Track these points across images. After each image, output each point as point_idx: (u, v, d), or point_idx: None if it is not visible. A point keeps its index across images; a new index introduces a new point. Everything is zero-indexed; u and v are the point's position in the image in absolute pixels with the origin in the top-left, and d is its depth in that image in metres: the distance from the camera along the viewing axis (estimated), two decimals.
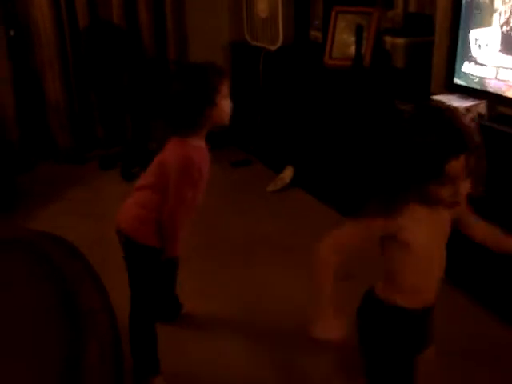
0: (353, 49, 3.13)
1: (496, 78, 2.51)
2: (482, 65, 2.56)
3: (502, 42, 2.45)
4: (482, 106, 2.53)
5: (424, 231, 1.42)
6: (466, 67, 2.64)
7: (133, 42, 4.04)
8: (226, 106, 1.94)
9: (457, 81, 2.70)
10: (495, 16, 2.44)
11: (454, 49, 2.67)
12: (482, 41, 2.56)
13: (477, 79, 2.60)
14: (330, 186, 3.42)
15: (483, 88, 2.58)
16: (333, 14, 3.32)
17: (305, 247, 2.93)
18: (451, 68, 2.71)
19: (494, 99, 2.53)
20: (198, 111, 1.88)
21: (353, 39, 3.13)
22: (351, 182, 3.26)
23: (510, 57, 2.43)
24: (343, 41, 3.29)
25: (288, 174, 3.72)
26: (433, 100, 2.63)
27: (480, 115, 2.52)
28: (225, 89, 1.93)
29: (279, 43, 3.70)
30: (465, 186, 1.34)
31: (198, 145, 1.97)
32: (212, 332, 2.39)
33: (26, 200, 3.53)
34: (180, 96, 1.89)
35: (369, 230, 1.49)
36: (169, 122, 1.96)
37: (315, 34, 3.63)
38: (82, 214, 3.39)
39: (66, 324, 1.13)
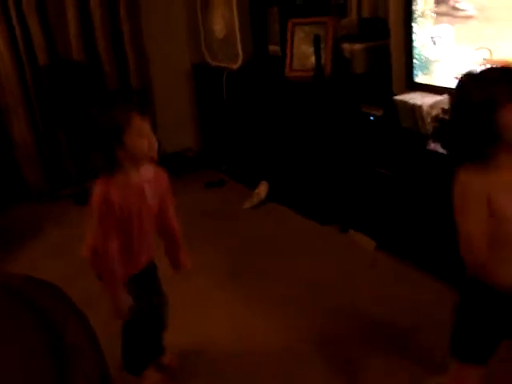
0: (312, 59, 3.16)
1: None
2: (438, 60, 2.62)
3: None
4: (445, 102, 2.58)
5: None
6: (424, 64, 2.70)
7: (94, 76, 4.04)
8: (137, 142, 1.85)
9: (417, 79, 2.75)
10: None
11: (411, 49, 2.73)
12: (437, 37, 2.62)
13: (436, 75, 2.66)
14: (306, 197, 3.44)
15: (444, 84, 2.63)
16: (289, 26, 3.36)
17: (291, 259, 2.99)
18: (410, 67, 2.76)
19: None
20: (107, 153, 1.85)
21: (311, 50, 3.17)
22: (325, 190, 3.29)
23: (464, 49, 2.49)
24: (302, 52, 3.33)
25: (263, 189, 3.74)
26: (396, 100, 2.67)
27: (444, 110, 2.56)
28: (136, 125, 1.85)
29: (240, 61, 3.72)
30: None
31: (123, 181, 1.90)
32: None
33: (1, 242, 3.48)
34: (87, 139, 1.92)
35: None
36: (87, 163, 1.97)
37: (274, 48, 3.67)
38: (60, 252, 3.34)
39: (52, 365, 1.12)
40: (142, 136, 1.86)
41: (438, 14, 2.60)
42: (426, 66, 2.71)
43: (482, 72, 1.52)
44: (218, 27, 3.79)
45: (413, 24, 2.68)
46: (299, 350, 2.32)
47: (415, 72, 2.75)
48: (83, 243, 2.02)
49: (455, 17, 2.53)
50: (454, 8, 2.54)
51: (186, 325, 2.47)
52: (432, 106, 2.56)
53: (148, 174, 1.96)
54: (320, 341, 2.38)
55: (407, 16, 2.71)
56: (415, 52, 2.72)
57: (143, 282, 2.08)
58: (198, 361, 2.33)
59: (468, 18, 2.48)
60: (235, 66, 3.77)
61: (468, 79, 1.52)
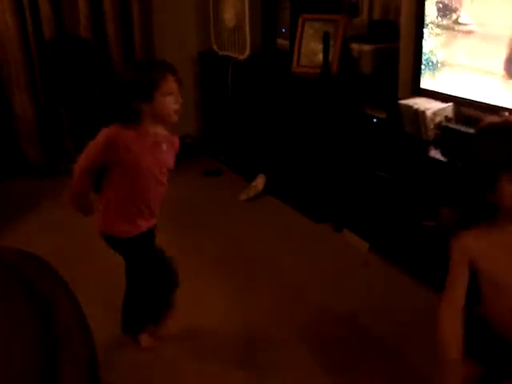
0: (320, 56, 3.15)
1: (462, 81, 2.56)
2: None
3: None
4: (448, 109, 2.58)
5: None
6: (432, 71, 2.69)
7: (100, 55, 4.01)
8: (165, 102, 1.93)
9: (423, 85, 2.75)
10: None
11: (420, 54, 2.72)
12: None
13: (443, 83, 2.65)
14: (302, 193, 3.44)
15: (449, 92, 2.63)
16: (300, 21, 3.35)
17: (282, 256, 2.99)
18: (417, 73, 2.76)
19: (461, 102, 2.58)
20: (132, 104, 1.90)
21: (320, 47, 3.16)
22: (322, 188, 3.29)
23: (474, 60, 2.49)
24: (310, 48, 3.32)
25: (260, 181, 3.73)
26: (400, 104, 2.67)
27: (447, 118, 2.57)
28: (167, 86, 1.92)
29: (247, 52, 3.71)
30: None
31: (139, 133, 1.96)
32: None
33: None
34: (118, 89, 1.94)
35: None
36: (106, 115, 2.01)
37: (282, 42, 3.66)
38: (54, 228, 3.34)
39: (40, 340, 1.12)
40: (171, 97, 1.94)
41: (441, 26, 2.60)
42: (433, 72, 2.71)
43: (495, 128, 1.47)
44: (228, 16, 3.77)
45: (424, 30, 2.68)
46: (285, 345, 2.33)
47: (422, 77, 2.74)
48: None
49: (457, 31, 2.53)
50: (456, 22, 2.54)
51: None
52: (436, 113, 2.57)
53: (164, 134, 2.02)
54: (305, 337, 2.38)
55: (419, 21, 2.70)
56: (424, 57, 2.71)
57: (141, 243, 2.13)
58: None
59: (469, 32, 2.48)
60: (242, 57, 3.76)
61: (480, 134, 1.48)
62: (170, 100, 1.94)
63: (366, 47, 3.10)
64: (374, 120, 2.87)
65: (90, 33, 3.97)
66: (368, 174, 2.94)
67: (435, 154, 2.52)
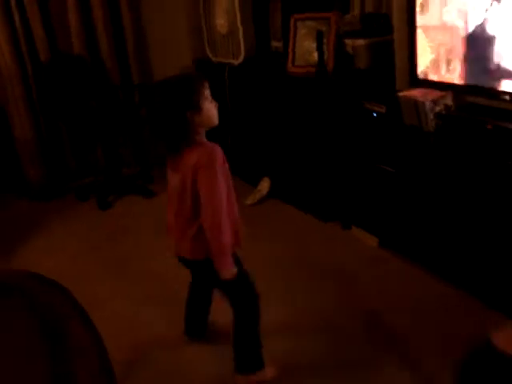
0: (315, 55, 3.15)
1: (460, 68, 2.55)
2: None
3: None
4: (448, 98, 2.57)
5: None
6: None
7: (96, 71, 4.03)
8: (211, 108, 1.95)
9: (421, 75, 2.74)
10: None
11: (414, 44, 2.71)
12: None
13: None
14: (308, 193, 3.43)
15: (447, 80, 2.62)
16: (292, 22, 3.34)
17: (292, 258, 2.98)
18: (413, 63, 2.74)
19: (460, 89, 2.56)
20: (185, 119, 1.86)
21: (314, 45, 3.15)
22: (327, 186, 3.28)
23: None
24: (304, 48, 3.31)
25: (265, 185, 3.73)
26: (399, 96, 2.66)
27: (447, 106, 2.55)
28: (207, 91, 1.94)
29: (242, 57, 3.71)
30: None
31: (206, 141, 1.97)
32: None
33: (3, 239, 3.47)
34: (165, 106, 1.87)
35: None
36: (162, 137, 1.93)
37: (276, 44, 3.66)
38: (62, 248, 3.35)
39: (56, 364, 1.11)
40: (213, 100, 1.97)
41: None
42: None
43: None
44: (221, 22, 3.77)
45: (417, 19, 2.66)
46: (296, 337, 2.32)
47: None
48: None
49: None
50: None
51: None
52: (435, 102, 2.55)
53: None
54: (317, 332, 2.38)
55: (411, 11, 2.69)
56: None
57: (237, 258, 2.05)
58: None
59: None
60: (237, 62, 3.76)
61: None
62: (213, 104, 1.97)
63: (360, 42, 3.08)
64: (374, 114, 2.86)
65: (83, 48, 4.00)
66: (372, 168, 2.93)
67: (437, 143, 2.51)
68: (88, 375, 1.10)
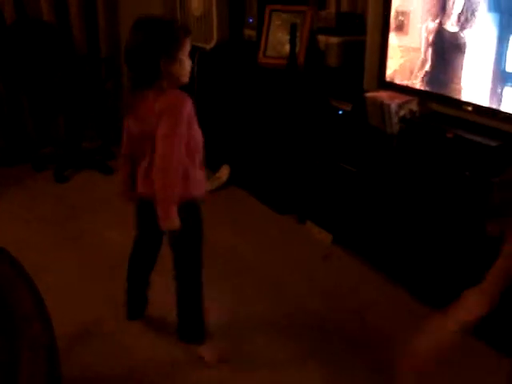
0: (287, 47, 3.15)
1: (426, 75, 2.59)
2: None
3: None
4: (413, 103, 2.61)
5: None
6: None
7: (63, 39, 3.94)
8: (187, 63, 1.92)
9: (388, 78, 2.77)
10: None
11: (385, 47, 2.74)
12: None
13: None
14: (266, 184, 3.44)
15: (414, 85, 2.66)
16: (267, 12, 3.33)
17: (245, 247, 2.98)
18: (383, 66, 2.78)
19: (426, 96, 2.60)
20: (158, 63, 1.82)
21: (287, 38, 3.15)
22: (287, 179, 3.29)
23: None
24: (277, 39, 3.31)
25: (225, 172, 3.72)
26: (366, 97, 2.68)
27: (412, 111, 2.59)
28: (187, 47, 1.90)
29: (214, 42, 3.68)
30: None
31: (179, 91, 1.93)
32: None
33: None
34: (142, 46, 1.83)
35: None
36: (132, 75, 1.90)
37: (249, 32, 3.64)
38: (14, 217, 3.28)
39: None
40: (189, 58, 1.92)
41: None
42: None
43: None
44: (196, 5, 3.73)
45: (390, 23, 2.69)
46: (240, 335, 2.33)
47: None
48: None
49: None
50: None
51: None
52: (400, 106, 2.59)
53: None
54: (261, 326, 2.39)
55: (385, 14, 2.72)
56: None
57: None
58: None
59: None
60: (209, 46, 3.72)
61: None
62: (189, 61, 1.93)
63: (333, 39, 3.10)
64: (340, 112, 2.88)
65: (52, 15, 3.89)
66: (333, 166, 2.95)
67: (399, 146, 2.55)
68: (30, 344, 1.08)
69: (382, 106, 2.60)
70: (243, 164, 3.65)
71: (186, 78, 1.95)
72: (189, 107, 1.89)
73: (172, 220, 1.86)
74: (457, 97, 2.46)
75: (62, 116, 4.11)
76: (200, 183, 2.04)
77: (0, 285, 1.31)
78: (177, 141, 1.85)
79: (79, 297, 2.55)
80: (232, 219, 3.31)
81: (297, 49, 3.12)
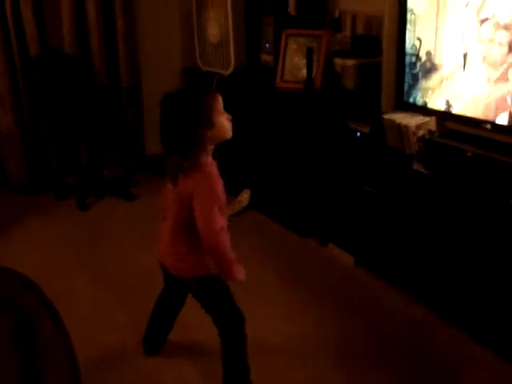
0: (304, 71, 3.17)
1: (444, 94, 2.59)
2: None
3: None
4: (431, 123, 2.60)
5: None
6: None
7: (84, 70, 4.02)
8: (224, 122, 1.93)
9: (406, 99, 2.77)
10: None
11: (402, 68, 2.75)
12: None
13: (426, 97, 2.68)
14: (288, 208, 3.44)
15: (432, 106, 2.65)
16: (283, 37, 3.37)
17: (267, 271, 2.98)
18: (400, 87, 2.78)
19: (444, 116, 2.60)
20: (197, 134, 1.84)
21: (303, 62, 3.18)
22: (307, 202, 3.29)
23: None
24: (294, 64, 3.34)
25: (245, 197, 3.73)
26: (384, 118, 2.69)
27: (430, 131, 2.59)
28: (219, 105, 1.91)
29: (231, 68, 3.72)
30: None
31: (210, 161, 1.96)
32: None
33: None
34: (177, 120, 1.83)
35: None
36: (171, 149, 1.90)
37: (266, 57, 3.67)
38: (37, 245, 3.32)
39: (22, 358, 1.10)
40: (225, 113, 1.94)
41: None
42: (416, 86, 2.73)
43: None
44: (213, 32, 3.79)
45: (406, 45, 2.70)
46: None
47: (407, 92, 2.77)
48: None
49: None
50: None
51: None
52: (418, 127, 2.58)
53: None
54: (286, 349, 2.38)
55: (400, 36, 2.73)
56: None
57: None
58: None
59: None
60: (226, 73, 3.77)
61: None
62: (226, 117, 1.94)
63: (349, 62, 3.12)
64: (358, 134, 2.89)
65: (74, 47, 3.98)
66: (353, 187, 2.95)
67: (418, 167, 2.54)
68: (54, 369, 1.09)
69: (399, 128, 2.60)
70: (264, 188, 3.66)
71: (228, 134, 1.98)
72: (216, 182, 1.95)
73: (234, 276, 1.98)
74: (475, 116, 2.45)
75: (84, 145, 4.17)
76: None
77: (23, 312, 1.33)
78: (214, 213, 1.89)
79: (103, 321, 2.58)
80: (253, 242, 3.31)
81: (313, 72, 3.14)
